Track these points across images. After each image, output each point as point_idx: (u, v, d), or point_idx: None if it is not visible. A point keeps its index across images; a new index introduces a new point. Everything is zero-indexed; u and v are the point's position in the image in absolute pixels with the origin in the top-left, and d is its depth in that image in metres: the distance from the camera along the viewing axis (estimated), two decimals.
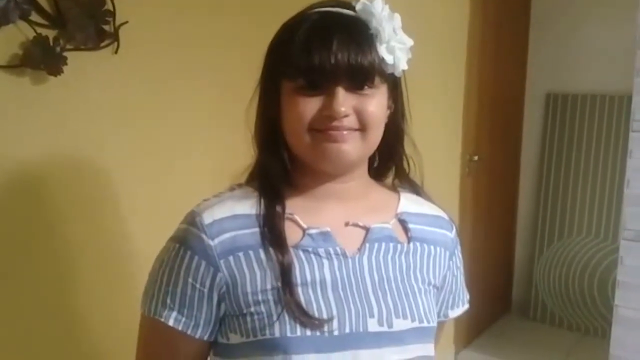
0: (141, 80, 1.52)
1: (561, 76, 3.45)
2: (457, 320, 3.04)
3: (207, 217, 0.78)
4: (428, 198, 0.92)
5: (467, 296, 0.98)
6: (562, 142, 3.43)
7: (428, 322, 0.83)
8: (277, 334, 0.74)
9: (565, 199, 3.42)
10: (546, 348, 3.17)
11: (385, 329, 0.78)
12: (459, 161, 2.95)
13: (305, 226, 0.80)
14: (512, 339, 3.34)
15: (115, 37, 1.42)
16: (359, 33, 0.76)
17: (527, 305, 3.57)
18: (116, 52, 1.44)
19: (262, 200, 0.80)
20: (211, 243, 0.77)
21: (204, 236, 0.77)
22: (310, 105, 0.75)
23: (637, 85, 2.14)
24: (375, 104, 0.77)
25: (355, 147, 0.77)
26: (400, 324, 0.79)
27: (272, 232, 0.78)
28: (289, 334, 0.74)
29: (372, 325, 0.77)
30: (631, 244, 2.09)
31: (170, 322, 0.79)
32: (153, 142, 1.57)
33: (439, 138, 2.71)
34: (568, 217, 3.41)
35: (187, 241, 0.78)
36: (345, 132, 0.75)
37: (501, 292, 3.64)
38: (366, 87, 0.76)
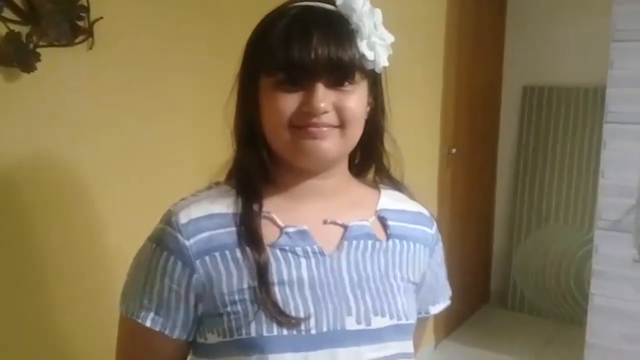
0: (117, 77, 1.50)
1: (537, 69, 3.49)
2: None
3: (183, 217, 0.77)
4: (409, 194, 0.92)
5: (448, 292, 0.98)
6: (538, 134, 3.47)
7: (407, 319, 0.82)
8: (253, 333, 0.74)
9: (542, 190, 3.47)
10: (525, 337, 3.22)
11: (363, 327, 0.78)
12: (437, 154, 2.97)
13: (282, 225, 0.79)
14: (491, 329, 3.39)
15: (89, 33, 1.40)
16: (339, 28, 0.75)
17: (505, 296, 3.62)
18: (91, 48, 1.42)
19: (239, 199, 0.79)
20: (187, 243, 0.76)
21: (179, 236, 0.76)
22: (290, 101, 0.74)
23: (611, 78, 2.18)
24: (356, 100, 0.77)
25: (334, 144, 0.76)
26: (378, 322, 0.79)
27: (248, 231, 0.77)
28: (265, 333, 0.74)
29: (350, 324, 0.77)
30: (606, 234, 2.13)
31: (147, 323, 0.78)
32: (130, 140, 1.56)
33: (418, 131, 2.72)
34: (545, 208, 3.46)
35: (163, 241, 0.78)
36: (324, 129, 0.75)
37: (480, 283, 3.69)
38: (346, 83, 0.76)
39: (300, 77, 0.74)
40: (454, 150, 3.04)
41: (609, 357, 2.11)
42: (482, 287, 3.72)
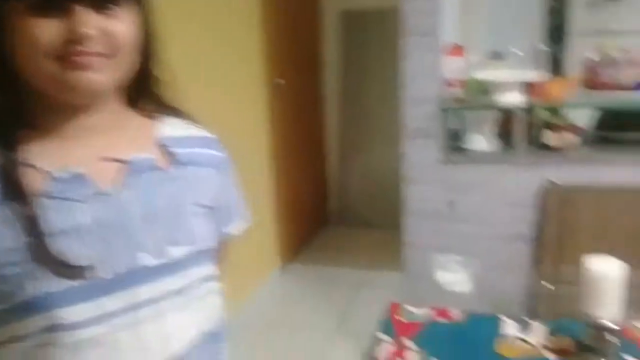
0: None
1: None
2: (282, 235, 3.20)
3: None
4: (191, 120, 0.90)
5: (245, 213, 0.99)
6: (360, 57, 3.62)
7: (205, 243, 0.82)
8: (35, 292, 0.68)
9: (368, 110, 3.67)
10: (362, 249, 3.50)
11: (161, 260, 0.76)
12: (265, 85, 2.98)
13: (50, 170, 0.73)
14: (332, 247, 3.62)
15: None
16: None
17: (344, 215, 3.86)
18: None
19: None
20: None
21: None
22: (48, 28, 0.67)
23: None
24: (124, 25, 0.71)
25: (105, 74, 0.71)
26: (176, 252, 0.77)
27: (9, 184, 0.69)
28: (49, 290, 0.69)
29: (147, 260, 0.75)
30: (411, 142, 2.32)
31: None
32: None
33: (242, 64, 2.68)
34: (371, 126, 3.68)
35: None
36: (92, 58, 0.69)
37: (319, 205, 3.87)
38: (112, 5, 0.70)
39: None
40: (280, 81, 3.07)
41: (423, 252, 2.36)
42: (321, 209, 3.91)
